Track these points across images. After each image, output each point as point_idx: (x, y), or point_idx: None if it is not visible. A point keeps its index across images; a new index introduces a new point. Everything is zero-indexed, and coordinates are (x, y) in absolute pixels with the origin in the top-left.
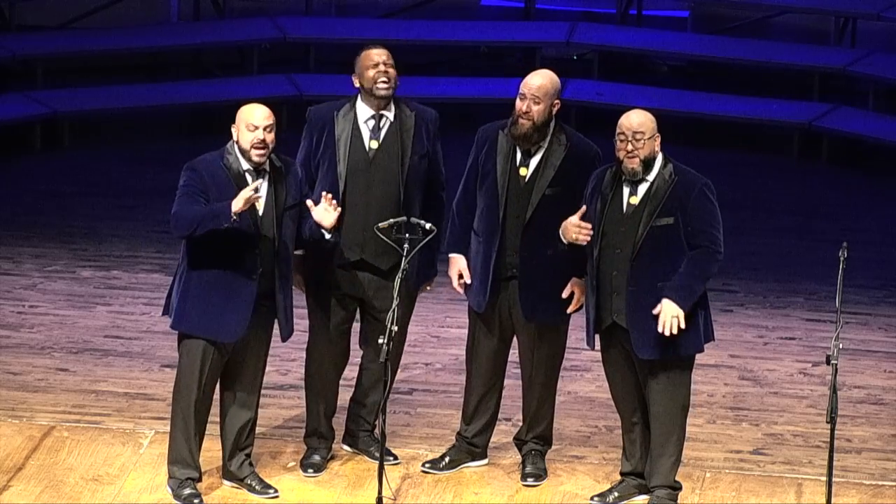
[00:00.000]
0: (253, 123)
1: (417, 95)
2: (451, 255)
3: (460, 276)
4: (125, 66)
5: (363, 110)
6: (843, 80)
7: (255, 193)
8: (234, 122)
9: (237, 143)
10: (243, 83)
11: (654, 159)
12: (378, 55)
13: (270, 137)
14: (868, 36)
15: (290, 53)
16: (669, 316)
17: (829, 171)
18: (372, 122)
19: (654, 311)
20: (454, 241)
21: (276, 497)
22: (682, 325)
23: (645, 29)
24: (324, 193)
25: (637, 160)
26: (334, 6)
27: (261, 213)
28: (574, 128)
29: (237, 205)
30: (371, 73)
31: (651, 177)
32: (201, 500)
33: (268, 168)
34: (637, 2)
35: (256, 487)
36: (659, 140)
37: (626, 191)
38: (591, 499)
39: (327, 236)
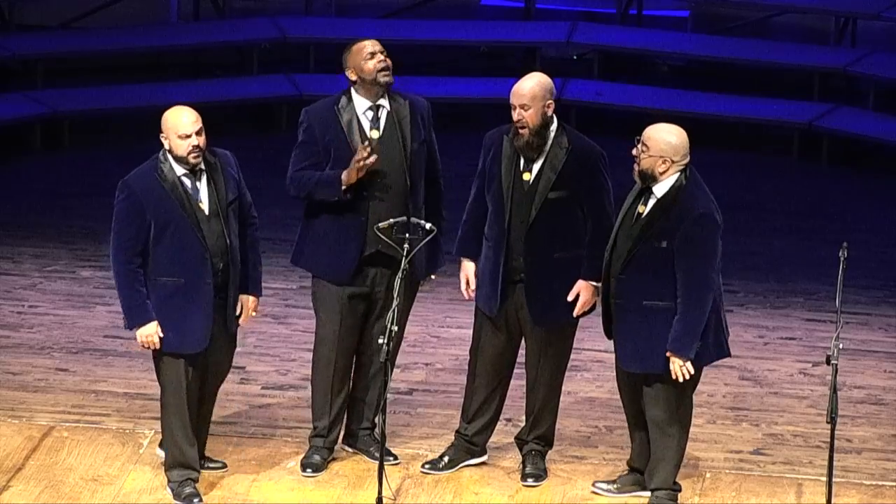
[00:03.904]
0: (184, 133)
1: (417, 95)
2: (461, 260)
3: (468, 282)
4: (125, 66)
5: (360, 102)
6: (843, 80)
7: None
8: (161, 130)
9: (170, 151)
10: (243, 83)
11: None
12: (373, 45)
13: (202, 140)
14: (868, 36)
15: (290, 53)
16: (678, 366)
17: (829, 171)
18: (370, 113)
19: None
20: (465, 246)
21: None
22: (692, 370)
23: (645, 29)
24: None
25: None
26: (334, 6)
27: (206, 212)
28: (574, 128)
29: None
30: (371, 63)
31: (660, 192)
32: (201, 499)
33: (203, 167)
34: (637, 2)
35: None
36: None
37: (631, 200)
38: (594, 484)
39: (338, 196)
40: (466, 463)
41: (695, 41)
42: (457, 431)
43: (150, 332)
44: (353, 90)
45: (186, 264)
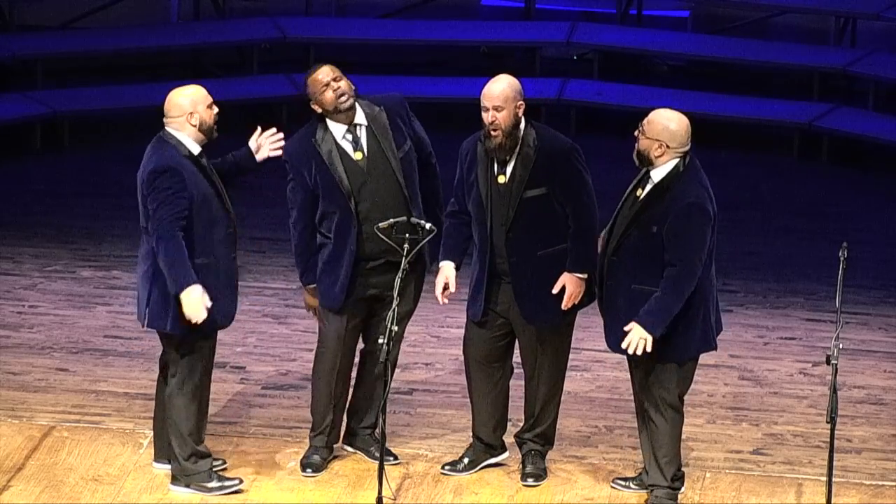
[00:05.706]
0: (209, 102)
1: (418, 95)
2: (441, 264)
3: (445, 288)
4: (125, 66)
5: (337, 128)
6: (843, 80)
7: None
8: (175, 112)
9: (199, 127)
10: (243, 83)
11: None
12: (325, 75)
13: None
14: (868, 36)
15: (290, 53)
16: (637, 337)
17: (829, 171)
18: (350, 136)
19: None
20: (445, 251)
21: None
22: (649, 348)
23: (645, 29)
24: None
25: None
26: (334, 6)
27: (219, 186)
28: (574, 128)
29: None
30: (329, 94)
31: (657, 177)
32: (240, 479)
33: None
34: (637, 2)
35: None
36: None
37: (633, 184)
38: (614, 481)
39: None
40: (487, 462)
41: (695, 41)
42: (473, 434)
43: (197, 298)
44: (326, 118)
45: (217, 241)
